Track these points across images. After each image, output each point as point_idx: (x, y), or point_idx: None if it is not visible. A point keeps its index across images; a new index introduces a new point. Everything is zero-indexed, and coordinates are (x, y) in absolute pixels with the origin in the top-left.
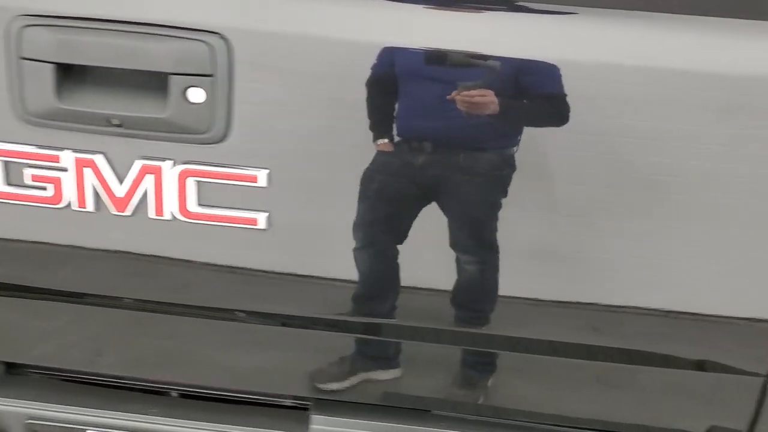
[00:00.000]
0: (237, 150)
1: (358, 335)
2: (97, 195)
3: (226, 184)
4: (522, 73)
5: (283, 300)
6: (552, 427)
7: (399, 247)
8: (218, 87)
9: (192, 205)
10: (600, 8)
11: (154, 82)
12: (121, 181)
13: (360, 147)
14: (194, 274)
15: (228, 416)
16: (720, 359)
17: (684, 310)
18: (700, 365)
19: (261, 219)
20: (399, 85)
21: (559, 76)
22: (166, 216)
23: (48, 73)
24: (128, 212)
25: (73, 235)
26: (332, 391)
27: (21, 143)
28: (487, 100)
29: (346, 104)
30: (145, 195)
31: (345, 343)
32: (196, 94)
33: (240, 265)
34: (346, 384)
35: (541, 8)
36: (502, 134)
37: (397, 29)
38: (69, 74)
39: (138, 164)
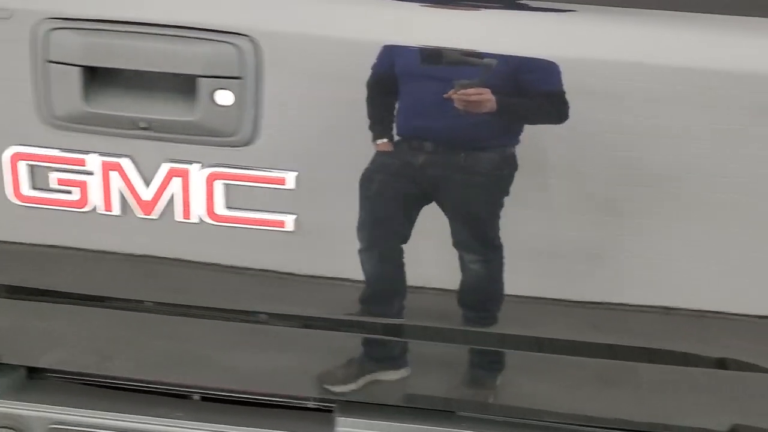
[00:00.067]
0: (265, 152)
1: (383, 336)
2: (123, 198)
3: (254, 187)
4: (521, 71)
5: (308, 302)
6: (574, 426)
7: (405, 247)
8: (247, 89)
9: (220, 208)
10: (599, 6)
11: (182, 85)
12: (147, 184)
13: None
14: (220, 277)
15: (252, 419)
16: (742, 357)
17: (706, 309)
18: (722, 363)
19: (288, 221)
20: (401, 84)
21: (558, 73)
22: (193, 219)
23: (75, 76)
24: (155, 215)
25: (99, 238)
26: (355, 392)
27: (47, 147)
28: (484, 98)
29: None
30: (171, 198)
31: (369, 344)
32: (225, 97)
33: (266, 267)
34: (366, 385)
35: (540, 6)
36: (501, 132)
37: (421, 29)
38: (96, 77)
39: (165, 167)
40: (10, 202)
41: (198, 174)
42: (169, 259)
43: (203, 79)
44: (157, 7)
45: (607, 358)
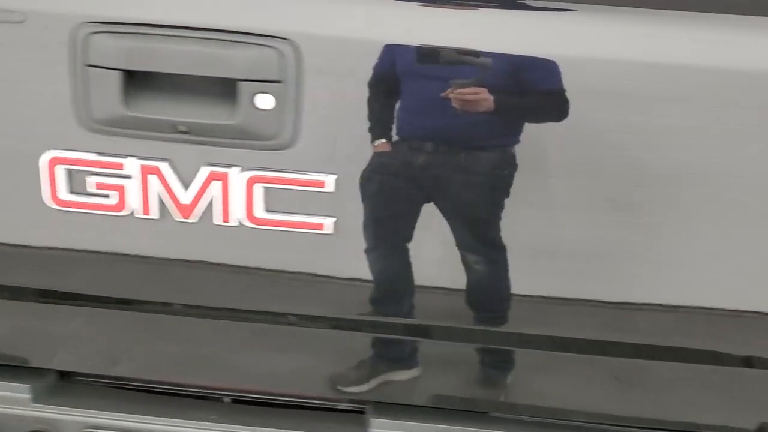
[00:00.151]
0: (304, 156)
1: (419, 338)
2: (161, 202)
3: (294, 190)
4: (520, 69)
5: (344, 304)
6: (602, 425)
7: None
8: (287, 93)
9: (259, 211)
10: (598, 5)
11: (222, 89)
12: (186, 187)
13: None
14: (258, 280)
15: (284, 421)
16: None
17: (731, 308)
18: (749, 362)
19: (328, 224)
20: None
21: (558, 72)
22: (232, 222)
23: (115, 80)
24: (193, 219)
25: (136, 242)
26: (390, 394)
27: (85, 151)
28: (480, 97)
29: None
30: (211, 202)
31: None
32: (265, 101)
33: (305, 270)
34: (398, 385)
35: (540, 5)
36: (501, 131)
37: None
38: (135, 81)
39: (205, 171)
40: (47, 206)
41: (238, 177)
42: (207, 262)
43: (244, 82)
44: (198, 10)
45: (632, 358)
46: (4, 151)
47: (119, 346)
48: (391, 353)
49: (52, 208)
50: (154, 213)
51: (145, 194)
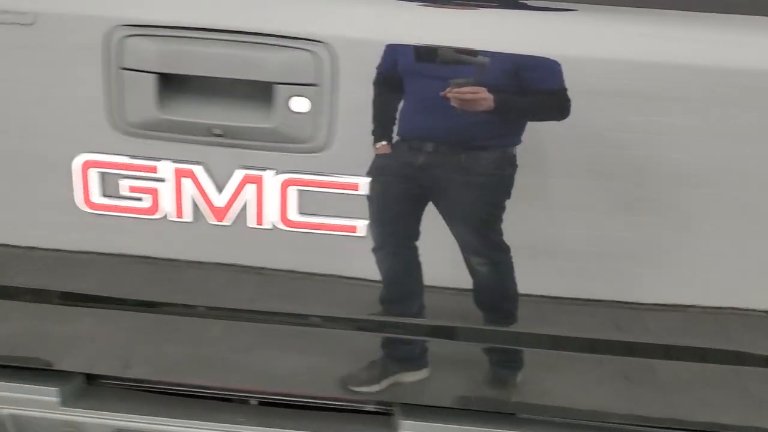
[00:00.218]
0: (339, 158)
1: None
2: (195, 205)
3: (327, 193)
4: (521, 69)
5: (373, 305)
6: (629, 426)
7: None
8: (322, 96)
9: (293, 214)
10: (599, 5)
11: (257, 92)
12: (220, 190)
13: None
14: (291, 282)
15: (312, 423)
16: None
17: (755, 308)
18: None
19: (360, 226)
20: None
21: (559, 71)
22: (266, 225)
23: (149, 83)
24: (227, 222)
25: (169, 245)
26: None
27: (118, 154)
28: (479, 96)
29: None
30: (245, 205)
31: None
32: (300, 104)
33: (337, 272)
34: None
35: (542, 5)
36: (502, 131)
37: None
38: (170, 84)
39: (239, 174)
40: (80, 209)
41: (272, 180)
42: (240, 265)
43: (279, 86)
44: (234, 14)
45: (662, 359)
46: (37, 155)
47: (150, 349)
48: (414, 354)
49: (85, 212)
50: (188, 216)
51: (179, 197)
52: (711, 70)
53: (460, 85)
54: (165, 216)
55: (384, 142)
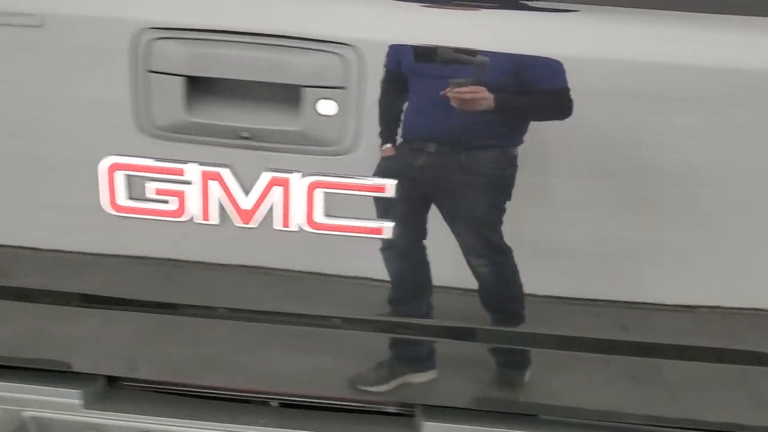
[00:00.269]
0: (365, 161)
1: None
2: (222, 207)
3: (354, 195)
4: (522, 69)
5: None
6: (650, 427)
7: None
8: (350, 99)
9: (319, 216)
10: (601, 6)
11: (285, 95)
12: (247, 193)
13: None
14: (316, 284)
15: (334, 425)
16: None
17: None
18: None
19: (386, 228)
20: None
21: (560, 71)
22: (292, 227)
23: (177, 86)
24: (253, 224)
25: (195, 247)
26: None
27: (145, 157)
28: (479, 96)
29: None
30: (271, 207)
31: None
32: (328, 107)
33: (362, 274)
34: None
35: (544, 6)
36: (504, 131)
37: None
38: (198, 87)
39: (266, 176)
40: (106, 212)
41: (299, 183)
42: (266, 267)
43: (307, 89)
44: (261, 17)
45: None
46: (63, 158)
47: (172, 351)
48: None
49: (111, 214)
50: (214, 218)
51: (206, 200)
52: (712, 71)
53: (459, 85)
54: (191, 218)
55: (389, 144)
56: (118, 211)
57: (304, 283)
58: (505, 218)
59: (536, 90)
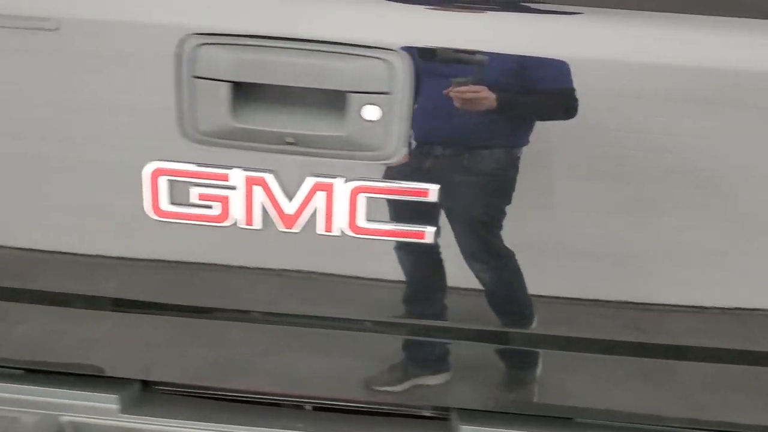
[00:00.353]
0: (409, 166)
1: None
2: (265, 212)
3: (397, 200)
4: (524, 69)
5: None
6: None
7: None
8: (394, 105)
9: (362, 221)
10: (604, 8)
11: (330, 100)
12: (290, 198)
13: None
14: (358, 289)
15: (369, 428)
16: None
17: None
18: None
19: (429, 233)
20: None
21: (564, 73)
22: (335, 232)
23: (222, 91)
24: (296, 229)
25: (238, 252)
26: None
27: (188, 162)
28: (480, 95)
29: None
30: (314, 212)
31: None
32: (372, 112)
33: (404, 279)
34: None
35: (548, 8)
36: (506, 131)
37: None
38: (243, 92)
39: (310, 181)
40: (149, 217)
41: (342, 188)
42: (309, 271)
43: (353, 94)
44: (306, 22)
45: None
46: (107, 163)
47: (209, 355)
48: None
49: (153, 219)
50: (257, 223)
51: (249, 205)
52: (713, 71)
53: (459, 84)
54: (234, 223)
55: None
56: (161, 216)
57: (344, 286)
58: (512, 218)
59: (529, 90)
